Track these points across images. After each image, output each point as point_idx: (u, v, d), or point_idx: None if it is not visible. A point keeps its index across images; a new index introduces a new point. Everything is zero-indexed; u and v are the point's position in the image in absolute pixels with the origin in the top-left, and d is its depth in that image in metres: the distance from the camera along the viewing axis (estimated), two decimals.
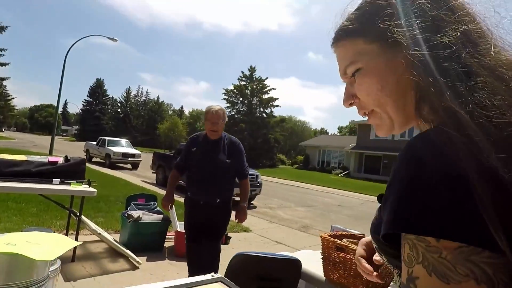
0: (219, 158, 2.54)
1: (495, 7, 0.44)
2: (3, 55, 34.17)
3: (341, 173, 27.30)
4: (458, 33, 0.41)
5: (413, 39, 0.42)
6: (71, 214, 3.30)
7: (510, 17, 0.44)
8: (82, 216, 3.13)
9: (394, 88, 0.47)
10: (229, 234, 4.75)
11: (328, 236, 1.23)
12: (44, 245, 0.76)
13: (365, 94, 0.51)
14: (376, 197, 0.55)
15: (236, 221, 2.65)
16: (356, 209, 10.19)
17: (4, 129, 66.86)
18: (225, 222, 2.66)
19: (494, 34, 0.44)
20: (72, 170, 2.96)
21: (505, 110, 0.35)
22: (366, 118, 0.55)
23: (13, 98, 50.10)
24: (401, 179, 0.37)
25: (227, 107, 32.50)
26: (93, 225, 3.71)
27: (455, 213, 0.32)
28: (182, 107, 73.93)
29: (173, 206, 2.79)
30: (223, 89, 33.20)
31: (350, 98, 0.54)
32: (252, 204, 8.87)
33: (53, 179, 2.77)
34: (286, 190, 13.72)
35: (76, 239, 2.99)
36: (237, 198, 3.04)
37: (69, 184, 2.84)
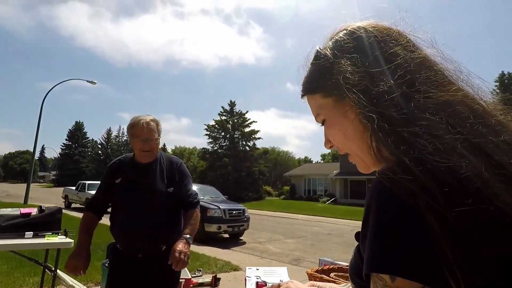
0: (156, 188, 1.80)
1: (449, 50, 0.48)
2: None
3: (328, 200, 27.25)
4: (396, 81, 0.44)
5: (354, 91, 0.46)
6: (46, 270, 3.08)
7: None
8: (58, 271, 2.92)
9: (354, 135, 0.51)
10: (218, 275, 4.53)
11: (315, 272, 1.20)
12: None
13: (334, 141, 0.57)
14: None
15: (172, 265, 1.59)
16: (346, 236, 10.07)
17: None
18: (178, 279, 1.87)
19: (454, 76, 0.47)
20: (46, 221, 2.80)
21: (450, 154, 0.37)
22: None
23: None
24: (372, 225, 0.40)
25: (210, 142, 32.57)
26: (70, 280, 3.46)
27: (409, 255, 0.35)
28: (164, 145, 73.22)
29: (85, 271, 1.75)
30: (205, 124, 33.39)
31: (328, 142, 0.59)
32: (241, 239, 8.61)
33: (26, 233, 2.60)
34: (274, 222, 13.47)
35: None
36: None
37: (43, 236, 2.68)
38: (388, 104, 0.43)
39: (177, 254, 1.59)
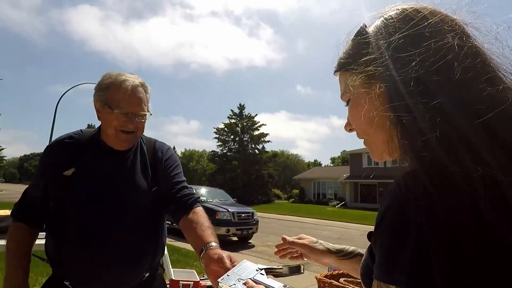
0: (139, 187, 1.17)
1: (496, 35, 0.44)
2: None
3: (337, 204, 26.97)
4: (431, 68, 0.41)
5: (384, 75, 0.44)
6: None
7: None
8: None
9: (376, 121, 0.47)
10: None
11: (324, 277, 1.18)
12: None
13: (353, 123, 0.55)
14: None
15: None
16: (357, 240, 9.93)
17: None
18: None
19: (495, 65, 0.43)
20: None
21: (466, 162, 0.35)
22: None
23: (3, 149, 49.58)
24: (381, 231, 0.41)
25: (219, 145, 32.72)
26: None
27: (415, 267, 0.35)
28: (174, 148, 74.02)
29: None
30: (214, 127, 33.58)
31: (348, 125, 0.57)
32: (250, 243, 8.58)
33: (39, 233, 2.65)
34: (283, 225, 13.39)
35: None
36: None
37: None
38: (423, 97, 0.40)
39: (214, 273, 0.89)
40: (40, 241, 2.78)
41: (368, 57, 0.48)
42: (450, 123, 0.38)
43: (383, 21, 0.49)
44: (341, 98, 0.57)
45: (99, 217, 1.09)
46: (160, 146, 1.30)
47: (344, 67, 0.55)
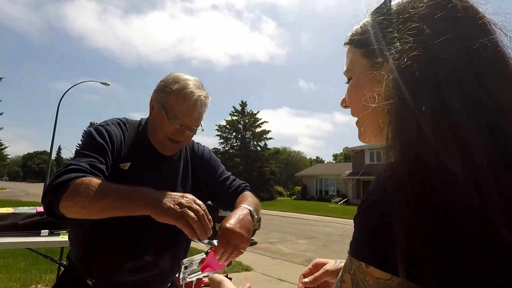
0: (178, 187, 1.16)
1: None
2: None
3: (340, 201, 26.96)
4: (455, 63, 0.39)
5: (397, 63, 0.41)
6: (61, 267, 3.14)
7: None
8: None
9: (374, 106, 0.46)
10: (229, 275, 4.53)
11: None
12: None
13: (350, 102, 0.54)
14: None
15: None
16: None
17: None
18: None
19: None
20: None
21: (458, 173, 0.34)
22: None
23: (6, 147, 49.89)
24: (358, 212, 0.43)
25: (221, 142, 32.71)
26: None
27: (382, 246, 0.37)
28: None
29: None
30: (216, 125, 33.61)
31: (344, 101, 0.56)
32: (252, 239, 8.59)
33: (42, 231, 2.66)
34: (285, 222, 13.40)
35: None
36: None
37: (58, 234, 2.73)
38: (433, 93, 0.38)
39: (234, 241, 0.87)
40: (45, 238, 2.77)
41: (385, 40, 0.45)
42: (455, 126, 0.36)
43: (409, 2, 0.45)
44: (344, 73, 0.55)
45: (141, 222, 0.93)
46: (198, 147, 1.29)
47: (356, 43, 0.52)
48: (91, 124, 63.26)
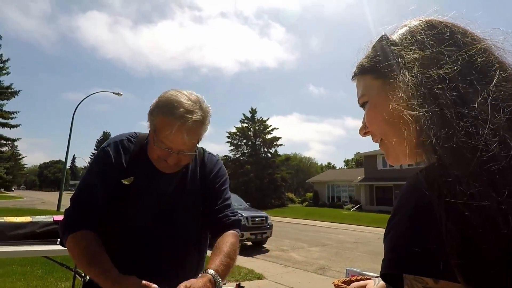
0: (190, 206, 1.16)
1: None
2: (15, 117, 35.83)
3: (352, 207, 26.53)
4: (459, 66, 0.43)
5: (407, 75, 0.45)
6: (76, 275, 3.19)
7: None
8: (87, 277, 3.01)
9: (396, 120, 0.48)
10: (241, 283, 4.50)
11: (342, 283, 1.15)
12: None
13: (370, 125, 0.56)
14: None
15: None
16: (374, 244, 9.72)
17: (14, 188, 67.51)
18: None
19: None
20: None
21: (490, 141, 0.36)
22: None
23: (23, 157, 51.36)
24: (397, 220, 0.39)
25: (231, 150, 32.83)
26: None
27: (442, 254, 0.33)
28: None
29: None
30: (226, 132, 33.80)
31: (364, 128, 0.58)
32: (264, 247, 8.53)
33: (58, 239, 2.71)
34: (297, 229, 13.27)
35: None
36: None
37: None
38: (441, 88, 0.41)
39: None
40: (60, 247, 2.81)
41: (392, 59, 0.50)
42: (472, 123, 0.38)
43: (408, 29, 0.52)
44: (358, 101, 0.58)
45: (151, 232, 1.07)
46: (209, 158, 1.25)
47: (364, 71, 0.56)
48: (104, 133, 64.63)
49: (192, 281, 0.90)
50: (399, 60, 0.48)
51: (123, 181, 1.07)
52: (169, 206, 1.11)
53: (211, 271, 0.96)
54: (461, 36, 0.48)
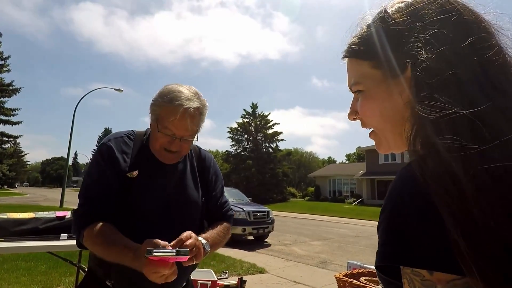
0: (191, 199, 1.22)
1: None
2: (17, 114, 35.91)
3: (354, 201, 26.59)
4: (469, 64, 0.40)
5: (414, 71, 0.41)
6: (80, 270, 3.22)
7: None
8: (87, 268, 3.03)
9: (393, 116, 0.47)
10: (244, 277, 4.53)
11: (344, 276, 1.16)
12: None
13: (365, 116, 0.52)
14: None
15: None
16: (375, 238, 9.67)
17: (17, 185, 67.92)
18: None
19: None
20: None
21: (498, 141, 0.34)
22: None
23: (26, 154, 51.61)
24: (389, 211, 0.38)
25: (233, 145, 32.85)
26: None
27: (443, 244, 0.32)
28: None
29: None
30: (227, 127, 33.72)
31: (354, 113, 0.54)
32: (266, 242, 8.58)
33: (61, 235, 2.74)
34: (299, 224, 13.32)
35: None
36: None
37: None
38: (454, 103, 0.37)
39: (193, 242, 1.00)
40: (64, 242, 2.84)
41: (398, 49, 0.44)
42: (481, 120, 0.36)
43: (416, 8, 0.45)
44: (350, 87, 0.53)
45: (153, 228, 1.12)
46: (205, 154, 1.35)
47: (360, 55, 0.50)
48: (106, 130, 64.75)
49: (190, 231, 1.02)
50: (407, 54, 0.43)
51: (128, 174, 1.12)
52: (173, 196, 1.18)
53: (203, 241, 1.08)
54: (478, 27, 0.42)
